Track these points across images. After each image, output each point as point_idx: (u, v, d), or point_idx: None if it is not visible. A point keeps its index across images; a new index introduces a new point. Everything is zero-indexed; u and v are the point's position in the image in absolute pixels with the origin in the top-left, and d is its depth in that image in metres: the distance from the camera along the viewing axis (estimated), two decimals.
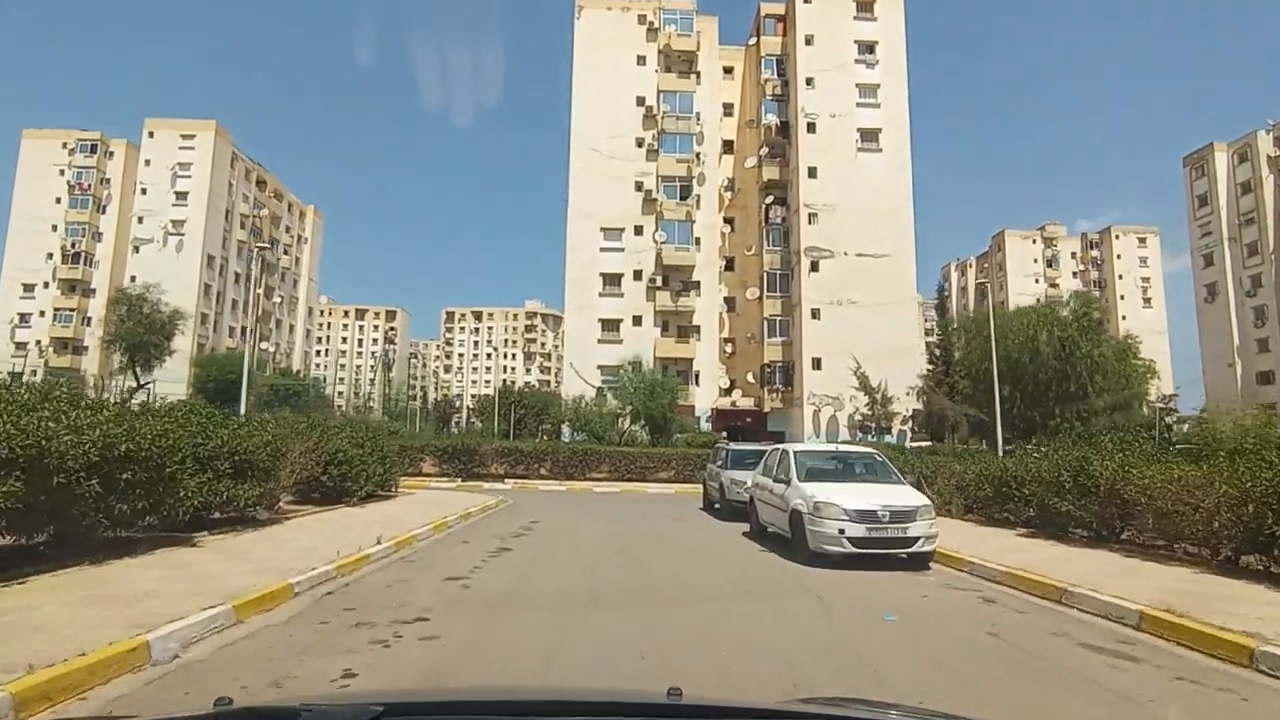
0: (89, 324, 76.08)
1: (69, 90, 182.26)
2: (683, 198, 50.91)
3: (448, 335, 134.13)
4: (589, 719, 1.68)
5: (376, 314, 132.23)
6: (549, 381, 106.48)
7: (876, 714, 2.17)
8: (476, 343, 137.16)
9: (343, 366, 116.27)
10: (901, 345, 46.70)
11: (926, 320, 76.10)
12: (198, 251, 73.33)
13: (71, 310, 76.10)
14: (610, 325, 50.26)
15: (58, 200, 76.96)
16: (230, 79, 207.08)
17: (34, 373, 66.33)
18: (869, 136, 49.35)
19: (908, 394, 44.33)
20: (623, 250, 51.03)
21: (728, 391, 51.30)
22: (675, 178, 50.85)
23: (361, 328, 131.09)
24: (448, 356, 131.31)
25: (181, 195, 74.04)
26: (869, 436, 44.23)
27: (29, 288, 76.72)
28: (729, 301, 53.46)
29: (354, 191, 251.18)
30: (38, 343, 74.79)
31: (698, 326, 50.87)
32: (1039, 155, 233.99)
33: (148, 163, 74.82)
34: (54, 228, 76.56)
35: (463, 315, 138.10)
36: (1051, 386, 34.35)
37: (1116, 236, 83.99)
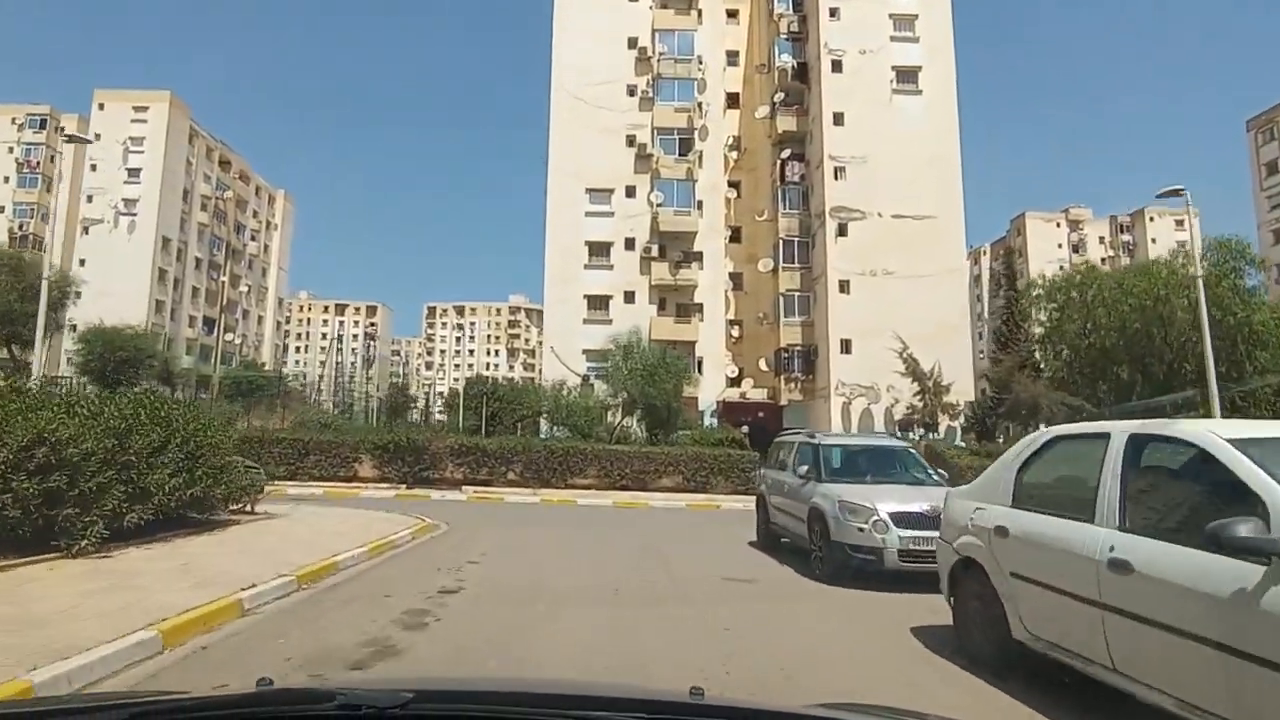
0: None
1: (25, 65, 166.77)
2: (682, 153, 41.20)
3: (429, 331, 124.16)
4: (611, 714, 1.53)
5: (357, 309, 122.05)
6: (533, 378, 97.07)
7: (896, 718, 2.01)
8: (459, 338, 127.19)
9: (322, 363, 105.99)
10: (948, 324, 37.09)
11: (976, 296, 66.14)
12: (151, 233, 63.11)
13: None
14: (598, 302, 40.48)
15: (5, 179, 66.66)
16: (202, 64, 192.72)
17: None
18: (906, 76, 39.74)
19: (971, 380, 34.57)
20: (612, 215, 41.28)
21: (736, 381, 41.56)
22: (673, 130, 41.15)
23: (342, 323, 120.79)
24: (429, 353, 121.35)
25: (134, 172, 63.94)
26: (916, 434, 34.54)
27: None
28: (735, 278, 43.70)
29: (332, 183, 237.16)
30: None
31: (700, 305, 41.12)
32: (1056, 134, 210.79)
33: (97, 137, 63.81)
34: (1, 209, 66.17)
35: (444, 310, 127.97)
36: (1186, 364, 24.56)
37: (1151, 219, 74.81)
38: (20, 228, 65.58)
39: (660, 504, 22.03)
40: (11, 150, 66.60)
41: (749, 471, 24.49)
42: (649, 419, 27.78)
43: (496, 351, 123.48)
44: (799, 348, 40.07)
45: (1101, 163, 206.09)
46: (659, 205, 40.42)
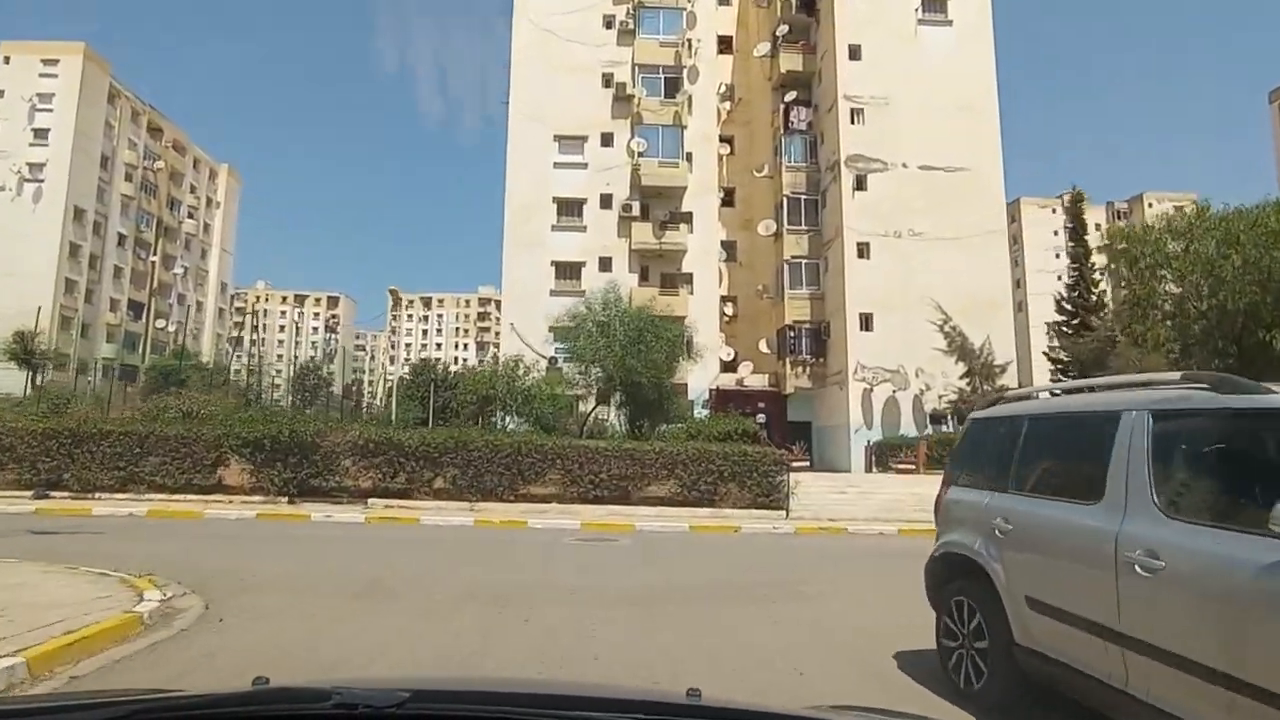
0: None
1: None
2: (668, 95, 34.04)
3: (394, 323, 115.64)
4: (609, 714, 1.50)
5: (318, 300, 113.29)
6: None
7: None
8: (425, 330, 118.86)
9: (279, 356, 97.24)
10: (989, 295, 30.31)
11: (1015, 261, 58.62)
12: (60, 201, 54.55)
13: None
14: (568, 270, 33.19)
15: None
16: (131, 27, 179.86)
17: None
18: (933, 4, 32.92)
19: (1013, 360, 27.62)
20: (585, 167, 34.00)
21: (731, 366, 34.49)
22: (658, 67, 33.97)
23: (301, 314, 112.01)
24: (393, 346, 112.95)
25: (40, 133, 55.25)
26: (949, 427, 27.84)
27: None
28: (728, 248, 36.63)
29: (283, 163, 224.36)
30: None
31: (689, 275, 33.99)
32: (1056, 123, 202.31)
33: (1, 93, 55.91)
34: None
35: (410, 301, 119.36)
36: None
37: (1150, 204, 69.08)
38: None
39: (651, 525, 14.88)
40: None
41: (772, 476, 17.47)
42: (632, 405, 20.66)
43: (466, 345, 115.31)
44: (807, 325, 33.11)
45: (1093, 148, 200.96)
46: (641, 154, 33.24)
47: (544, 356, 29.21)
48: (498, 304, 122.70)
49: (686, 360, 21.93)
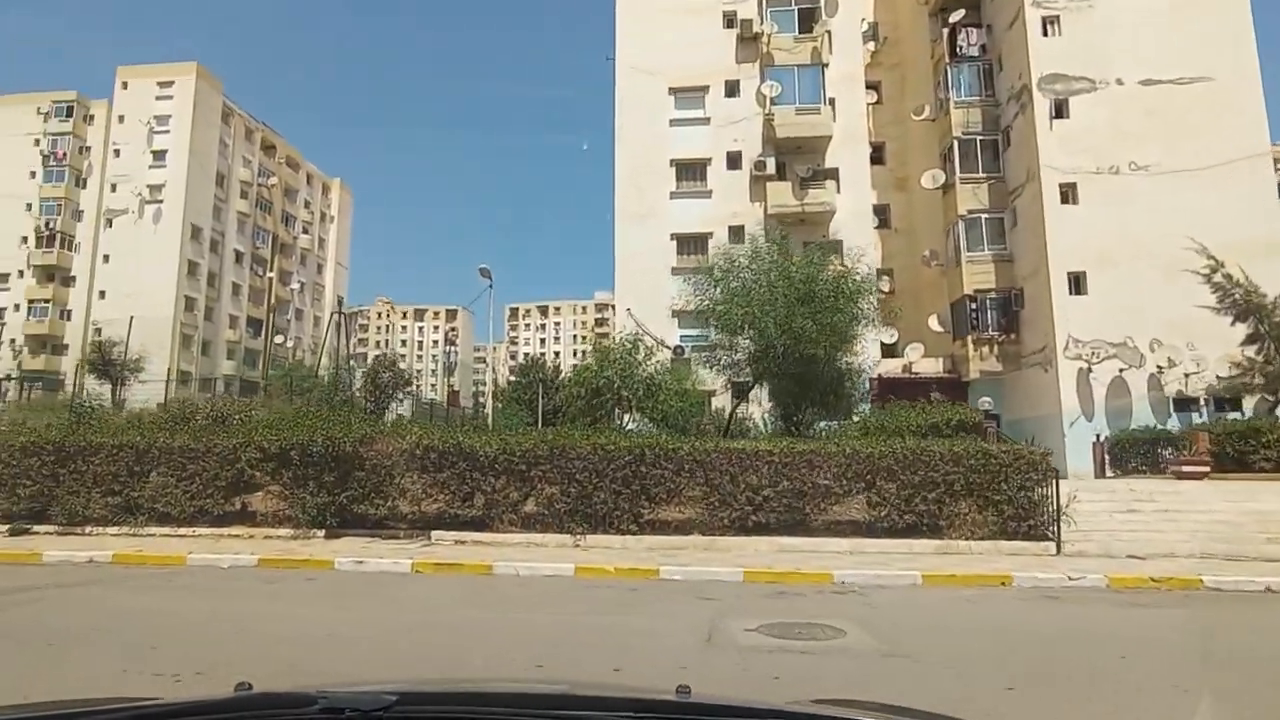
0: (68, 318, 58.32)
1: (55, 52, 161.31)
2: (804, 29, 28.06)
3: (512, 334, 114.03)
4: (598, 713, 1.50)
5: (436, 314, 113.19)
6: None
7: (891, 717, 1.85)
8: (543, 340, 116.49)
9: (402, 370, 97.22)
10: (1254, 238, 22.45)
11: None
12: (178, 221, 54.42)
13: (47, 302, 58.22)
14: (691, 243, 27.69)
15: (33, 174, 59.49)
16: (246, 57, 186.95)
17: (9, 377, 48.72)
18: None
19: None
20: (707, 122, 28.49)
21: (892, 350, 27.90)
22: None
23: (421, 329, 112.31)
24: (513, 357, 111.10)
25: (159, 155, 55.42)
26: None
27: (3, 277, 59.35)
28: (880, 212, 30.06)
29: (393, 182, 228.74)
30: (12, 341, 57.35)
31: (837, 244, 27.63)
32: None
33: (121, 119, 56.64)
34: (28, 206, 59.05)
35: (527, 311, 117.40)
36: None
37: None
38: (47, 225, 58.21)
39: (858, 573, 8.99)
40: (38, 143, 59.39)
41: (1030, 489, 11.20)
42: (792, 391, 14.77)
43: (584, 353, 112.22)
44: (992, 294, 26.08)
45: None
46: (774, 101, 27.37)
47: (667, 346, 23.89)
48: (613, 308, 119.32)
49: (876, 326, 15.53)
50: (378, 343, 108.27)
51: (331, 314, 45.63)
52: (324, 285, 71.27)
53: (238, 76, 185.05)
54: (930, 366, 27.33)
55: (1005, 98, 26.46)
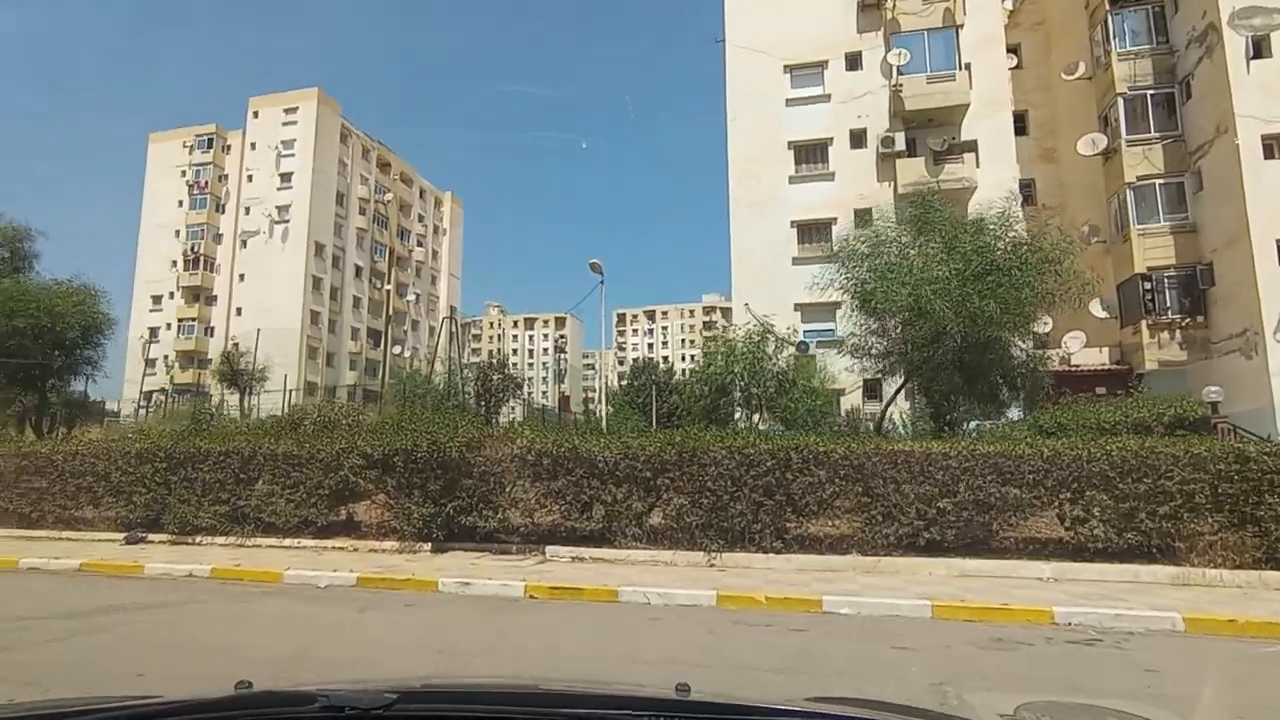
0: (211, 334, 62.06)
1: (201, 88, 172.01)
2: None
3: (620, 340, 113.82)
4: (598, 711, 1.49)
5: (545, 322, 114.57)
6: None
7: (888, 715, 1.85)
8: (650, 344, 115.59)
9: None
10: None
11: None
12: (303, 239, 56.84)
13: (193, 320, 62.20)
14: (813, 231, 25.56)
15: (179, 203, 63.84)
16: (358, 70, 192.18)
17: (161, 390, 52.48)
18: None
19: None
20: (827, 99, 26.28)
21: (1044, 341, 24.64)
22: None
23: (531, 337, 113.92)
24: (621, 363, 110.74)
25: (286, 177, 58.17)
26: None
27: (157, 299, 63.76)
28: (1023, 188, 26.86)
29: (501, 190, 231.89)
30: (165, 357, 61.62)
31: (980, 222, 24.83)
32: None
33: (253, 146, 59.95)
34: (176, 233, 63.37)
35: (635, 316, 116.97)
36: None
37: None
38: (192, 249, 62.26)
39: (1081, 609, 6.75)
40: (184, 174, 63.77)
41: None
42: (960, 383, 12.43)
43: (692, 356, 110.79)
44: (1171, 271, 22.54)
45: None
46: (902, 70, 24.93)
47: (792, 342, 21.86)
48: (724, 311, 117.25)
49: (1077, 298, 12.85)
50: (489, 351, 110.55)
51: (443, 319, 46.06)
52: (438, 296, 73.02)
53: (350, 93, 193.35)
54: (1093, 358, 24.01)
55: (1183, 42, 22.91)
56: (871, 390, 24.19)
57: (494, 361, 27.57)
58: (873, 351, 13.54)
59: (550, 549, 10.53)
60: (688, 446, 10.15)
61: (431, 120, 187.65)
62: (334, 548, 11.16)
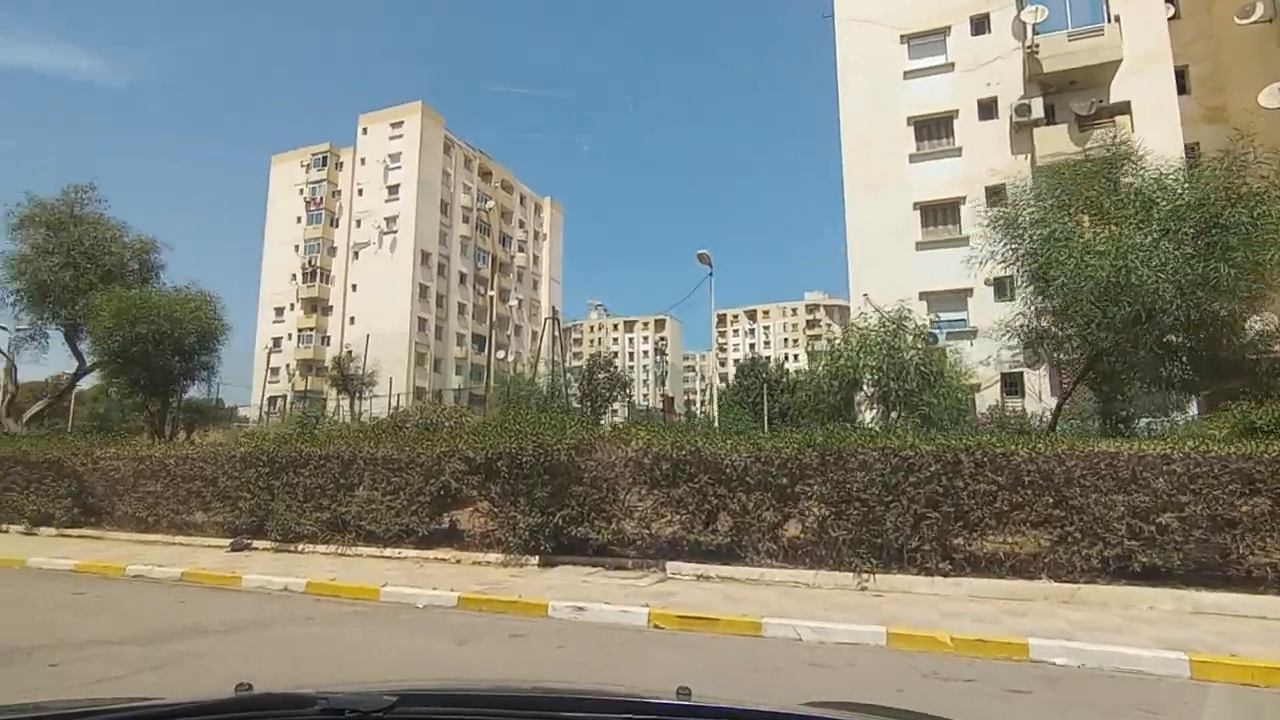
0: (328, 343, 64.58)
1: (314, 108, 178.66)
2: None
3: (720, 341, 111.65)
4: (599, 714, 1.49)
5: (645, 324, 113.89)
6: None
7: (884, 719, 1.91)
8: (752, 345, 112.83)
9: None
10: None
11: None
12: (410, 248, 58.19)
13: (311, 330, 64.95)
14: (938, 212, 23.34)
15: (298, 220, 66.88)
16: (448, 79, 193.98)
17: (283, 397, 55.20)
18: None
19: None
20: (950, 68, 23.97)
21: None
22: None
23: (631, 340, 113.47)
24: (722, 364, 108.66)
25: (393, 189, 59.74)
26: None
27: (279, 311, 66.99)
28: (1188, 152, 23.66)
29: (598, 194, 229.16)
30: (287, 366, 64.65)
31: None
32: None
33: (363, 162, 61.96)
34: (296, 248, 66.40)
35: (735, 317, 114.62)
36: None
37: None
38: (309, 262, 65.05)
39: None
40: (301, 192, 66.79)
41: None
42: (1159, 371, 10.17)
43: (796, 356, 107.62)
44: None
45: None
46: (1038, 29, 22.41)
47: (922, 333, 19.80)
48: (828, 309, 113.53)
49: None
50: (590, 355, 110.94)
51: (545, 319, 45.85)
52: (539, 300, 73.48)
53: (449, 105, 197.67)
54: None
55: None
56: (1011, 385, 21.79)
57: (598, 357, 26.61)
58: (1049, 340, 11.41)
59: (671, 565, 9.23)
60: (831, 448, 8.61)
61: (525, 125, 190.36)
62: (435, 559, 10.26)
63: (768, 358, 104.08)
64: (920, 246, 22.96)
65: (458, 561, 10.11)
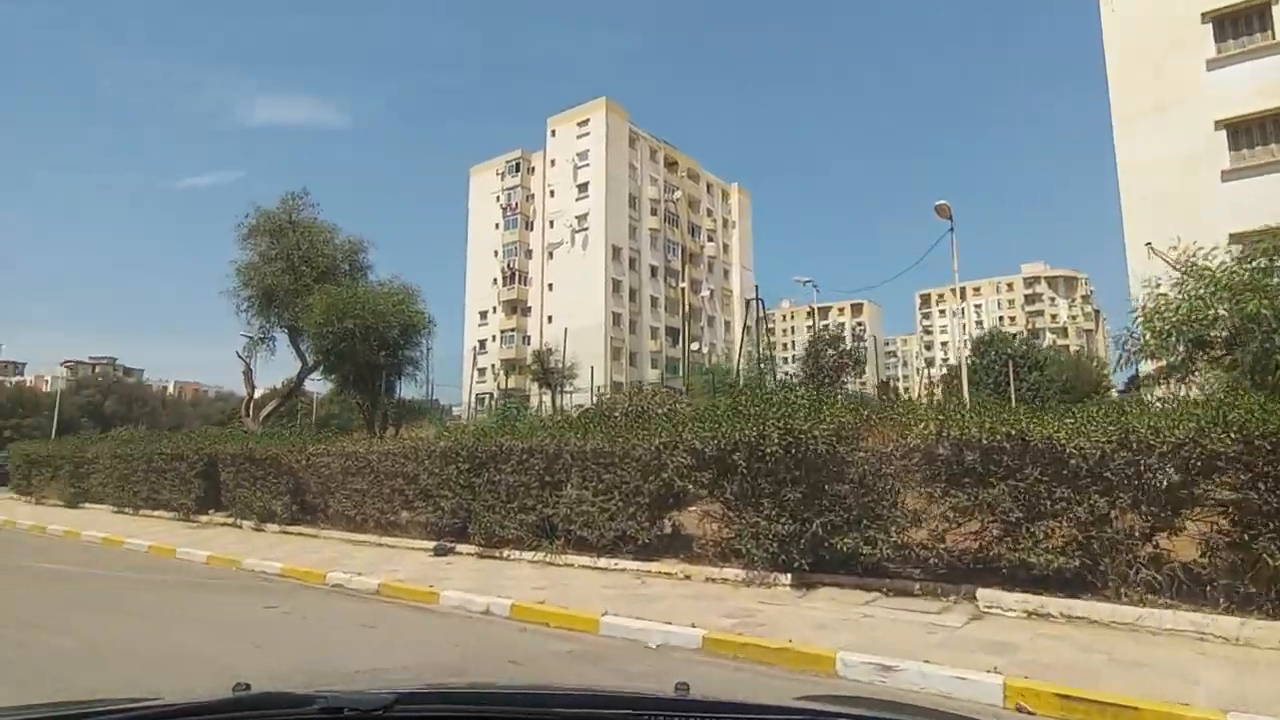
0: (528, 342, 66.78)
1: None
2: None
3: (925, 323, 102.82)
4: (597, 711, 1.49)
5: (840, 310, 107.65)
6: (1083, 351, 69.93)
7: (888, 714, 1.77)
8: (963, 325, 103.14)
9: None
10: None
11: None
12: (601, 244, 58.33)
13: (513, 330, 67.47)
14: (1256, 129, 18.14)
15: (496, 226, 69.82)
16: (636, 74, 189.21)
17: (491, 396, 58.04)
18: None
19: None
20: None
21: None
22: None
23: (826, 327, 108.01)
24: (928, 348, 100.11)
25: (582, 188, 60.29)
26: None
27: (483, 315, 70.41)
28: None
29: (786, 176, 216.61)
30: (492, 366, 67.76)
31: None
32: None
33: (553, 164, 63.19)
34: (495, 253, 69.34)
35: (940, 296, 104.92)
36: None
37: None
38: (508, 266, 67.49)
39: None
40: (498, 199, 69.51)
41: None
42: None
43: (1014, 335, 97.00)
44: None
45: None
46: None
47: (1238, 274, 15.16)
48: (1049, 280, 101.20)
49: None
50: (784, 345, 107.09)
51: (747, 300, 43.45)
52: (731, 290, 71.32)
53: (635, 96, 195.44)
54: None
55: None
56: None
57: (825, 333, 23.88)
58: None
59: (982, 594, 6.57)
60: (1256, 427, 5.55)
61: (710, 109, 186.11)
62: (659, 572, 8.33)
63: (1006, 332, 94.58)
64: (1227, 176, 17.96)
65: (686, 578, 8.09)
